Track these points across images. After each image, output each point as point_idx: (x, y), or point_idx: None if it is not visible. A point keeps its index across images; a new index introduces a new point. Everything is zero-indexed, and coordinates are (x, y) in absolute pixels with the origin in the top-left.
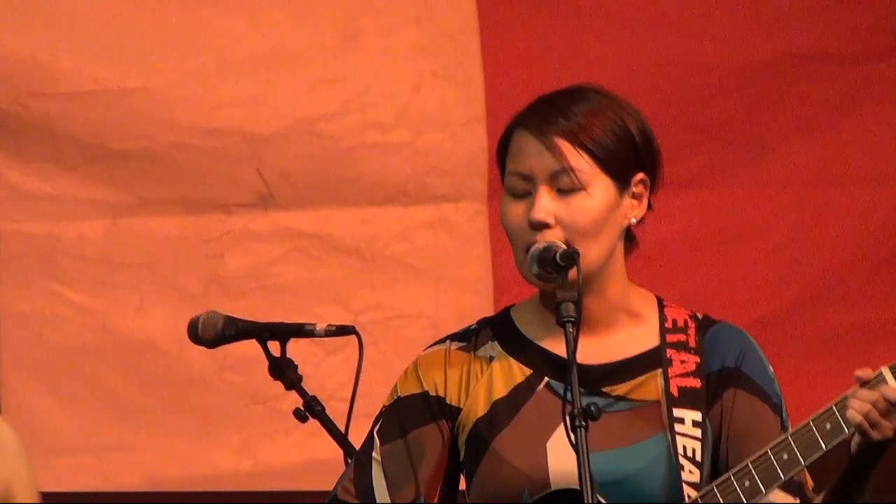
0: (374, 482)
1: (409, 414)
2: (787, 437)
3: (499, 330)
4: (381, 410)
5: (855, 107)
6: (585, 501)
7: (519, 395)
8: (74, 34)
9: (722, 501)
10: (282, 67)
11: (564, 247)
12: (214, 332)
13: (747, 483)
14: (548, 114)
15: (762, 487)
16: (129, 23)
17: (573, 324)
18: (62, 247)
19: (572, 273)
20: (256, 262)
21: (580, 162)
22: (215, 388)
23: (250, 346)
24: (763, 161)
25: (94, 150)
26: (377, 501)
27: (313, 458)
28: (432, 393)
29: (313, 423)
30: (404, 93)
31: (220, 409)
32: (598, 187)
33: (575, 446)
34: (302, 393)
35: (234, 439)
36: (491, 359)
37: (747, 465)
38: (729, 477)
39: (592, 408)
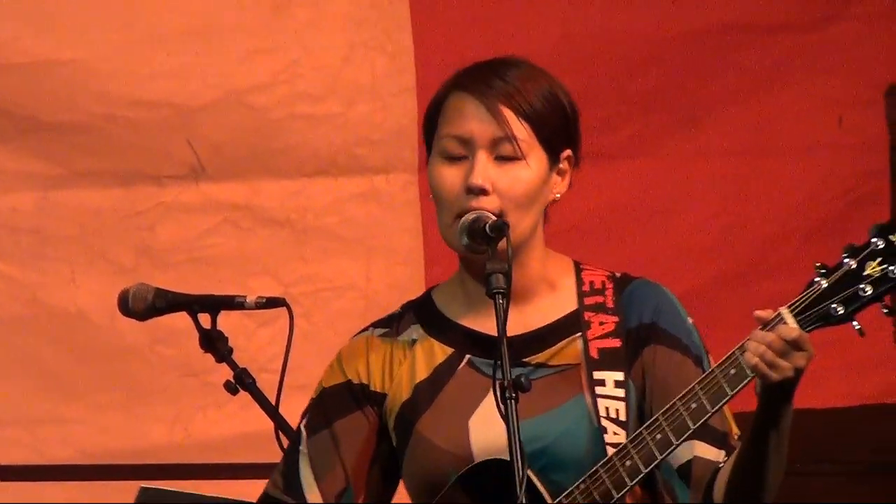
0: (301, 474)
1: (333, 404)
2: (695, 387)
3: (421, 312)
4: (308, 404)
5: (785, 77)
6: (516, 474)
7: (440, 376)
8: (4, 6)
9: (636, 457)
10: (212, 39)
11: (494, 218)
12: (144, 305)
13: (658, 436)
14: (490, 79)
15: (673, 439)
16: None
17: (503, 295)
18: None
19: (501, 244)
20: (187, 233)
21: (522, 131)
22: (147, 361)
23: (182, 319)
24: (694, 131)
25: (26, 123)
26: (304, 492)
27: (245, 430)
28: (355, 381)
29: (245, 395)
30: (334, 64)
31: (152, 382)
32: (535, 159)
33: (505, 417)
34: (233, 365)
35: (166, 412)
36: (413, 342)
37: (657, 418)
38: (641, 432)
39: (523, 379)
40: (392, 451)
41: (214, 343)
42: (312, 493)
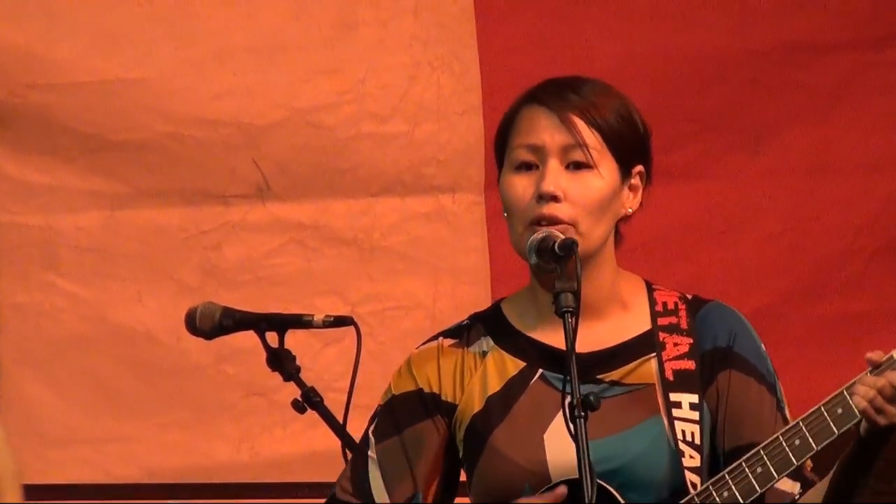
0: (371, 480)
1: (403, 411)
2: (799, 423)
3: (490, 324)
4: (376, 410)
5: (850, 96)
6: (585, 493)
7: (513, 389)
8: (71, 24)
9: (735, 488)
10: (278, 58)
11: (562, 237)
12: (212, 323)
13: (759, 470)
14: (563, 92)
15: (775, 474)
16: (126, 13)
17: (572, 314)
18: (59, 238)
19: (570, 264)
20: (253, 253)
21: (592, 139)
22: (212, 380)
23: (248, 338)
24: (759, 150)
25: (92, 142)
26: (374, 497)
27: (311, 449)
28: (426, 390)
29: (311, 414)
30: (401, 83)
31: (217, 401)
32: (606, 168)
33: (574, 437)
34: (300, 384)
35: (231, 431)
36: (484, 353)
37: (759, 451)
38: (740, 464)
39: (592, 397)
40: (456, 462)
41: (282, 362)
42: (381, 496)
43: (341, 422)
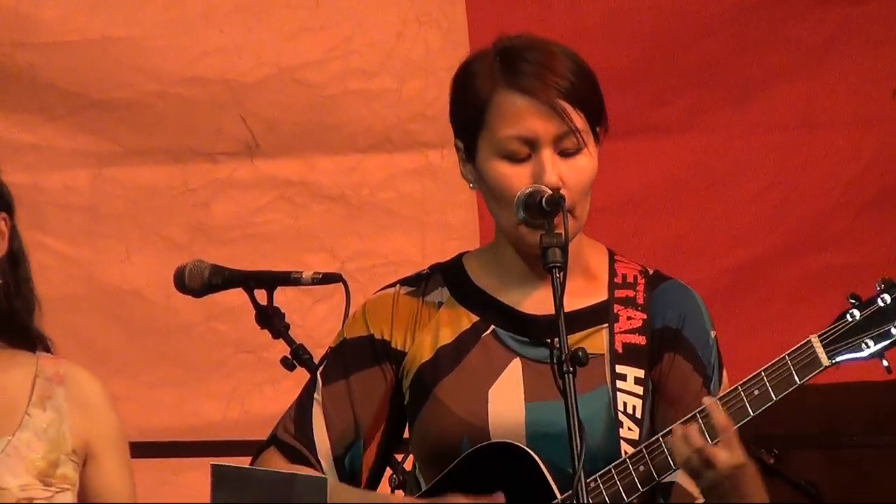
0: (313, 422)
1: (353, 356)
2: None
3: (449, 276)
4: (327, 351)
5: (838, 50)
6: (574, 446)
7: (464, 342)
8: None
9: (651, 464)
10: (265, 15)
11: (549, 191)
12: (201, 281)
13: (642, 468)
14: (531, 70)
15: (656, 475)
16: None
17: (560, 268)
18: (47, 197)
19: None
20: (242, 210)
21: (580, 122)
22: (202, 338)
23: (237, 295)
24: (746, 105)
25: (79, 100)
26: (314, 439)
27: None
28: (377, 336)
29: (301, 371)
30: (388, 40)
31: (207, 359)
32: (591, 145)
33: (563, 391)
34: (289, 341)
35: (221, 389)
36: (439, 304)
37: (642, 450)
38: (657, 439)
39: (580, 353)
40: (402, 410)
41: (271, 319)
42: (322, 440)
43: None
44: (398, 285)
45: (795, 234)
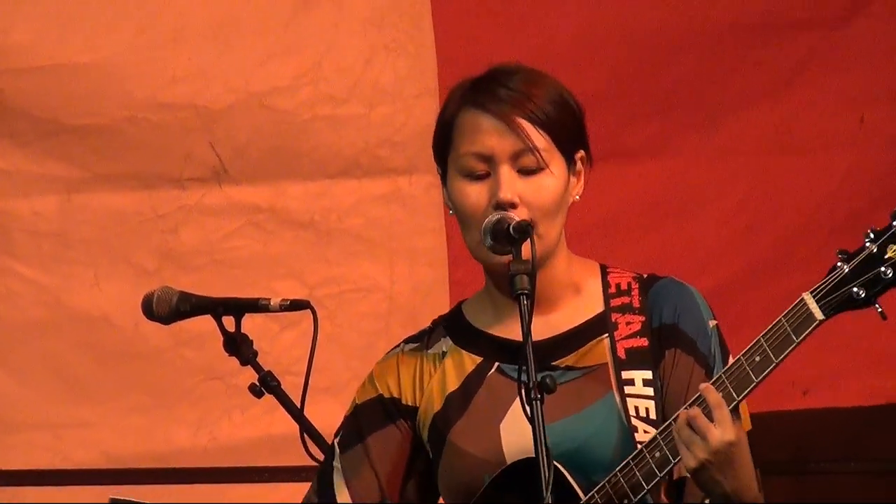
0: (335, 490)
1: (366, 419)
2: (722, 376)
3: (450, 325)
4: (342, 422)
5: (806, 74)
6: (542, 474)
7: (471, 385)
8: (26, 9)
9: (666, 449)
10: (234, 41)
11: (517, 219)
12: (169, 308)
13: (658, 454)
14: (499, 91)
15: (671, 458)
16: None
17: (527, 296)
18: (16, 223)
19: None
20: (211, 236)
21: (541, 141)
22: (171, 364)
23: (206, 322)
24: (715, 129)
25: (48, 126)
26: None
27: (270, 433)
28: (387, 395)
29: (269, 398)
30: (356, 66)
31: (176, 385)
32: (556, 165)
33: (531, 419)
34: (257, 368)
35: (190, 415)
36: (443, 354)
37: (656, 437)
38: (670, 424)
39: (548, 380)
40: (429, 464)
41: (239, 346)
42: None
43: (299, 405)
44: (402, 345)
45: (765, 258)
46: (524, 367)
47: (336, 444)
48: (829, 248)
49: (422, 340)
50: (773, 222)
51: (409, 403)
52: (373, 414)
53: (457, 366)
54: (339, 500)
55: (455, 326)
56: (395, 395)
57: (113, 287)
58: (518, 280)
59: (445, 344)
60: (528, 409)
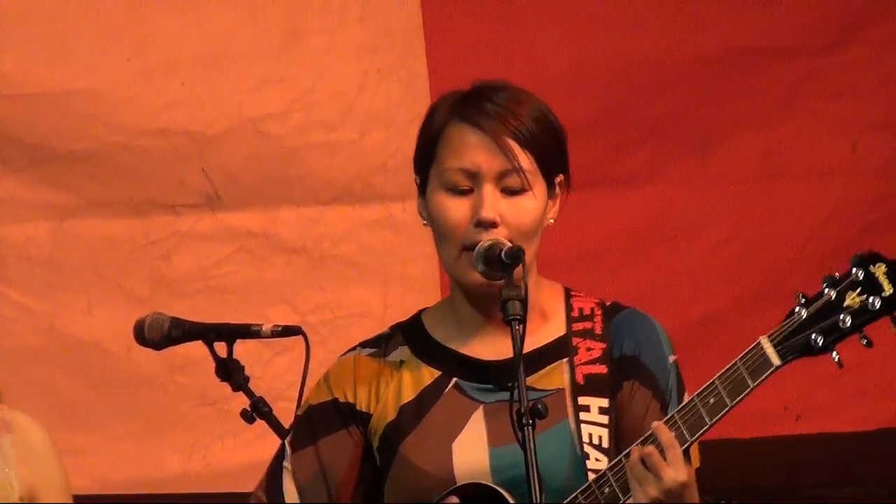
0: (284, 490)
1: (319, 421)
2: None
3: (409, 334)
4: (294, 421)
5: (798, 102)
6: (534, 500)
7: (426, 398)
8: (18, 36)
9: (615, 485)
10: (227, 67)
11: (509, 244)
12: (161, 334)
13: (607, 490)
14: (487, 107)
15: (620, 495)
16: (73, 23)
17: (520, 321)
18: (8, 249)
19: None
20: (203, 262)
21: (526, 162)
22: (164, 390)
23: (199, 347)
24: (707, 157)
25: (40, 152)
26: None
27: (262, 458)
28: (341, 399)
29: (262, 423)
30: (349, 92)
31: (168, 411)
32: (538, 188)
33: (522, 444)
34: (249, 394)
35: (183, 441)
36: (401, 363)
37: (605, 473)
38: (620, 460)
39: (540, 406)
40: (376, 472)
41: (230, 372)
42: None
43: (289, 427)
44: (359, 348)
45: (756, 286)
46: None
47: (287, 443)
48: (819, 277)
49: (379, 346)
50: (765, 250)
51: (364, 410)
52: (326, 417)
53: (414, 377)
54: (286, 500)
55: (414, 336)
56: (350, 400)
57: (106, 313)
58: (510, 306)
59: (403, 352)
60: (519, 434)
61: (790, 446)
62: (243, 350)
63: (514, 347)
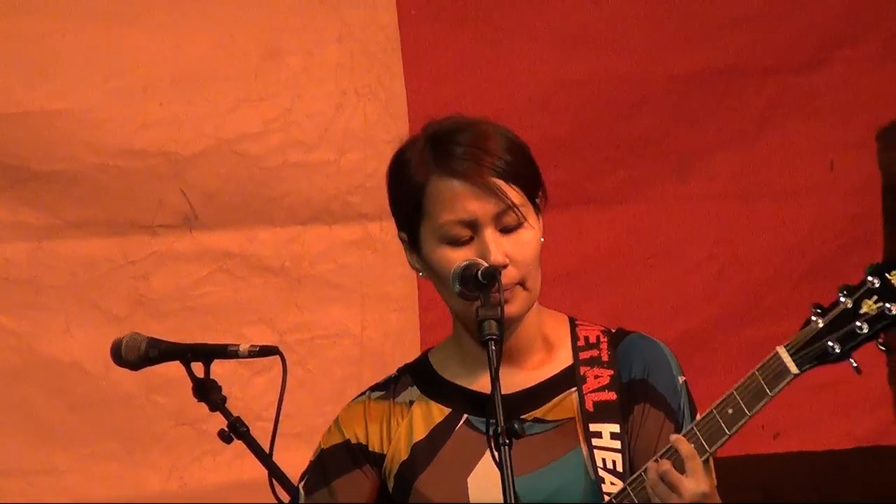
0: None
1: (332, 464)
2: (693, 428)
3: (417, 374)
4: (307, 467)
5: (775, 120)
6: None
7: (439, 435)
8: None
9: (636, 499)
10: (204, 87)
11: (485, 264)
12: (137, 354)
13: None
14: (462, 153)
15: None
16: (51, 44)
17: (496, 340)
18: None
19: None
20: (182, 282)
21: (516, 196)
22: (142, 410)
23: (177, 367)
24: (685, 176)
25: (18, 173)
26: None
27: (240, 478)
28: (353, 441)
29: (240, 443)
30: (327, 112)
31: (147, 431)
32: (531, 217)
33: (499, 464)
34: (226, 414)
35: (161, 461)
36: (411, 403)
37: (625, 488)
38: (640, 474)
39: (516, 425)
40: None
41: (207, 392)
42: None
43: (268, 451)
44: (368, 392)
45: (734, 304)
46: (492, 418)
47: (301, 487)
48: (798, 295)
49: (388, 388)
50: (743, 269)
51: (377, 450)
52: (339, 459)
53: (424, 415)
54: None
55: (422, 375)
56: (363, 441)
57: (84, 334)
58: (486, 325)
59: (413, 393)
60: (496, 454)
61: (767, 465)
62: (222, 370)
63: (489, 367)
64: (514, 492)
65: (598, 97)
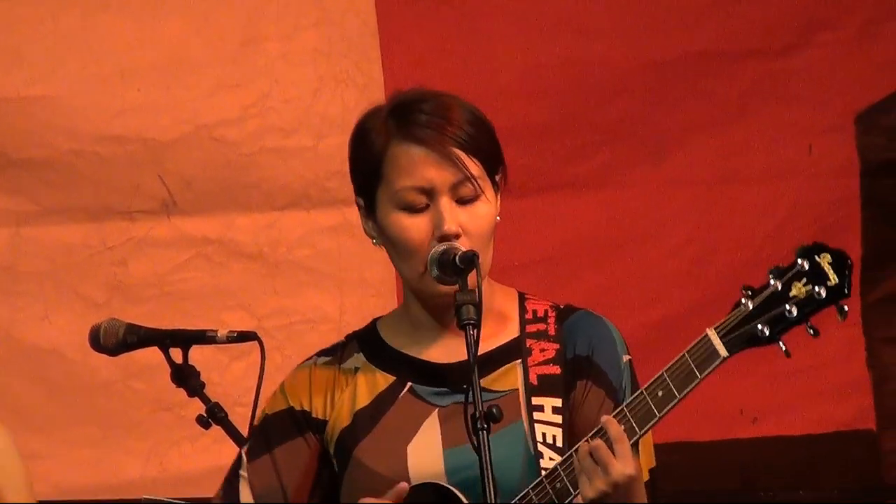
0: (241, 499)
1: (275, 430)
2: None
3: (364, 342)
4: (250, 431)
5: (754, 104)
6: (488, 502)
7: (382, 403)
8: None
9: (567, 480)
10: (182, 73)
11: (463, 249)
12: (115, 340)
13: (558, 485)
14: (425, 121)
15: (571, 490)
16: (28, 30)
17: (474, 325)
18: None
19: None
20: (160, 268)
21: (475, 168)
22: (121, 396)
23: (155, 353)
24: (663, 160)
25: None
26: None
27: (219, 464)
28: (297, 408)
29: (218, 429)
30: (305, 97)
31: (126, 417)
32: (488, 191)
33: (477, 449)
34: (204, 399)
35: (140, 446)
36: (356, 370)
37: (556, 468)
38: (571, 455)
39: (494, 410)
40: (334, 477)
41: (186, 378)
42: None
43: (246, 436)
44: (314, 357)
45: (712, 289)
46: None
47: (244, 452)
48: None
49: (335, 354)
50: (722, 253)
51: (319, 417)
52: (282, 425)
53: (369, 383)
54: None
55: (369, 343)
56: (306, 407)
57: (63, 320)
58: (465, 310)
59: (358, 360)
60: (475, 439)
61: (746, 449)
62: (200, 356)
63: (468, 353)
64: (493, 477)
65: (576, 82)
